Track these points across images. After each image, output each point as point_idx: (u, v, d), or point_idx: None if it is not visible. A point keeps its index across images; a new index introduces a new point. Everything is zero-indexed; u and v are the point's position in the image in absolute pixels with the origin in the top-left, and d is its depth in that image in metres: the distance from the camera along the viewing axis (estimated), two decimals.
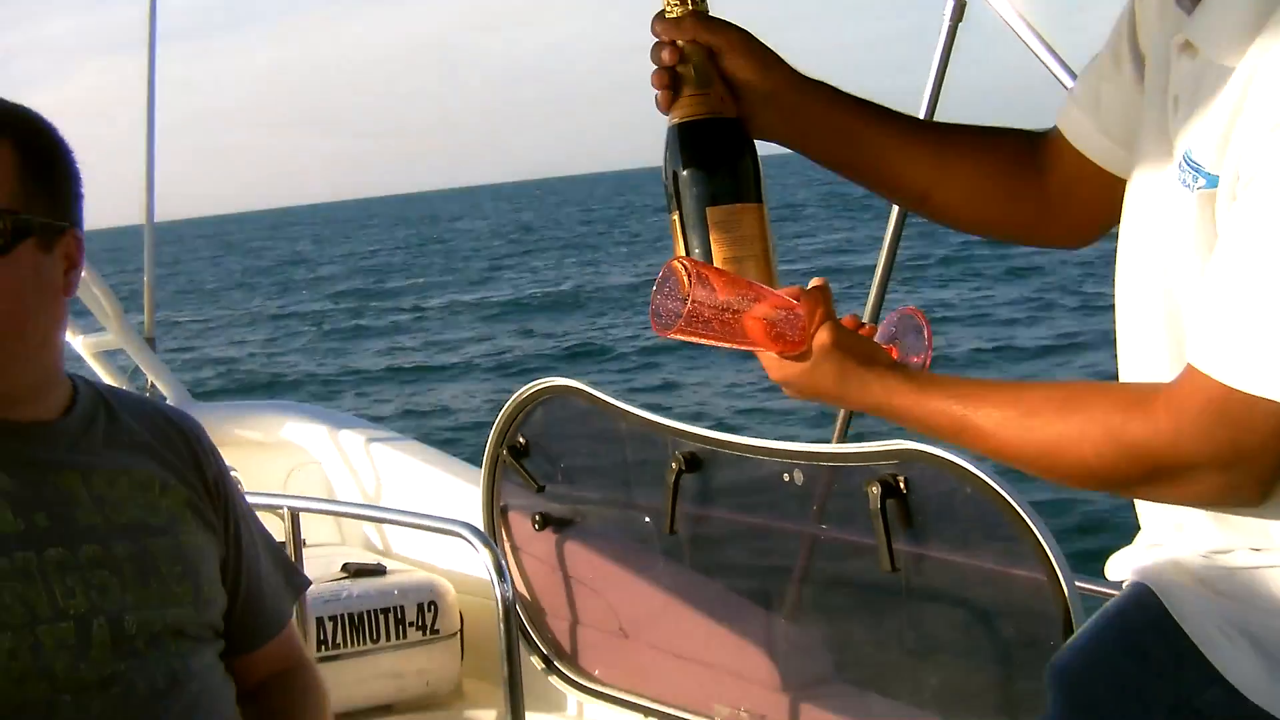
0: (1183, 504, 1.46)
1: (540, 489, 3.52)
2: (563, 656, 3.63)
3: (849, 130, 1.76)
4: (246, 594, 2.02)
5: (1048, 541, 2.41)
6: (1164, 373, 1.45)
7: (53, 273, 1.84)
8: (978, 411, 1.48)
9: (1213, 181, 1.38)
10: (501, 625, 3.10)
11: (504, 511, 3.67)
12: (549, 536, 3.56)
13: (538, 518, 3.55)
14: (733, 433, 3.09)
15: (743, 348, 1.55)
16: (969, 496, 2.53)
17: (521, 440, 3.52)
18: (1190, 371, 1.36)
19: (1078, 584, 2.44)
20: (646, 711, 3.39)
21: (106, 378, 4.57)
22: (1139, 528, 1.65)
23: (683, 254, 1.58)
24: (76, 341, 4.76)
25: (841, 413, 3.28)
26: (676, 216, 1.62)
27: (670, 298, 1.47)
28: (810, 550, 3.03)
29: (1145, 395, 1.41)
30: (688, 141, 1.62)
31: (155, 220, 5.03)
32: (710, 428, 3.14)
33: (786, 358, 1.57)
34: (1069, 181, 1.74)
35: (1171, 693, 1.51)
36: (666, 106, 1.66)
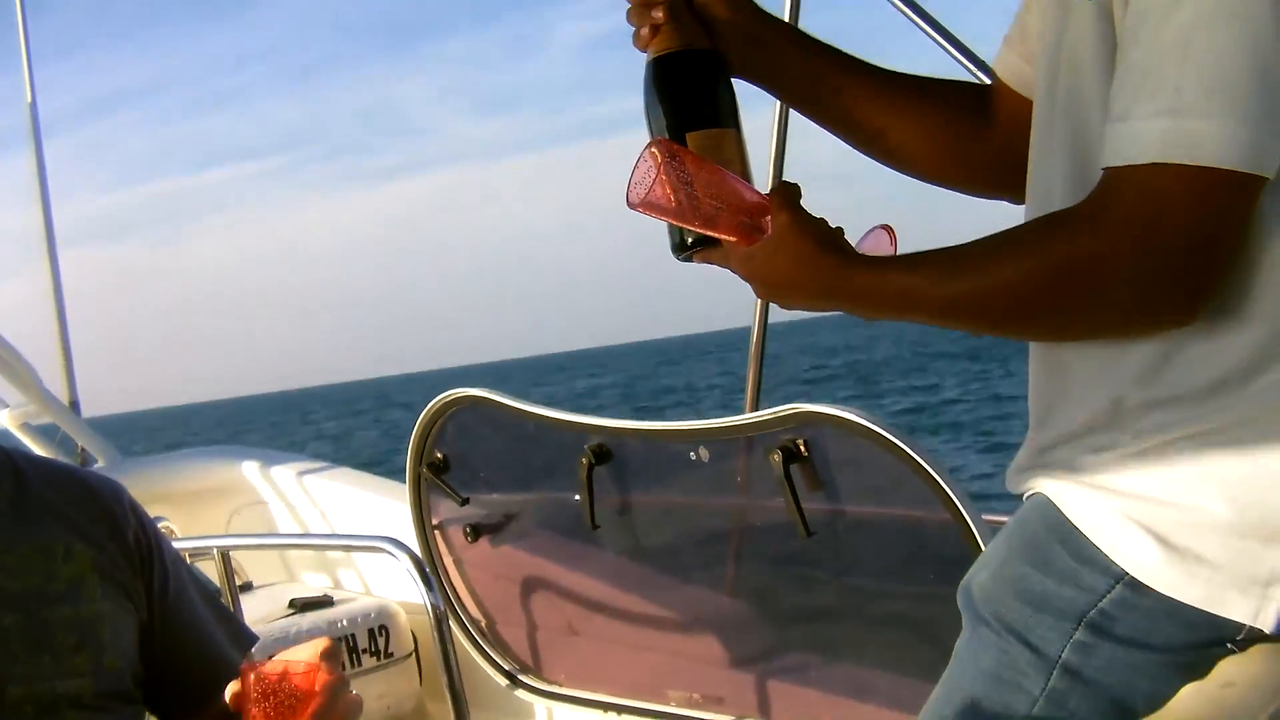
0: (1120, 329, 1.46)
1: (464, 501, 3.51)
2: (525, 669, 3.63)
3: (812, 67, 1.81)
4: (186, 654, 1.94)
5: (948, 482, 2.42)
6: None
7: None
8: (916, 273, 1.49)
9: None
10: (434, 633, 3.10)
11: (439, 528, 3.65)
12: (484, 547, 3.56)
13: (469, 530, 3.54)
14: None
15: (704, 231, 1.56)
16: (867, 450, 2.53)
17: (439, 455, 3.51)
18: (1104, 169, 1.38)
19: (984, 518, 2.44)
20: (607, 707, 3.39)
21: (36, 449, 4.54)
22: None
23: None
24: (2, 415, 4.73)
25: (750, 384, 3.26)
26: None
27: (645, 173, 1.50)
28: (731, 525, 3.03)
29: (1065, 212, 1.43)
30: (665, 72, 1.67)
31: None
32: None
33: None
34: (1012, 126, 1.75)
35: (1079, 599, 1.53)
36: (644, 44, 1.70)
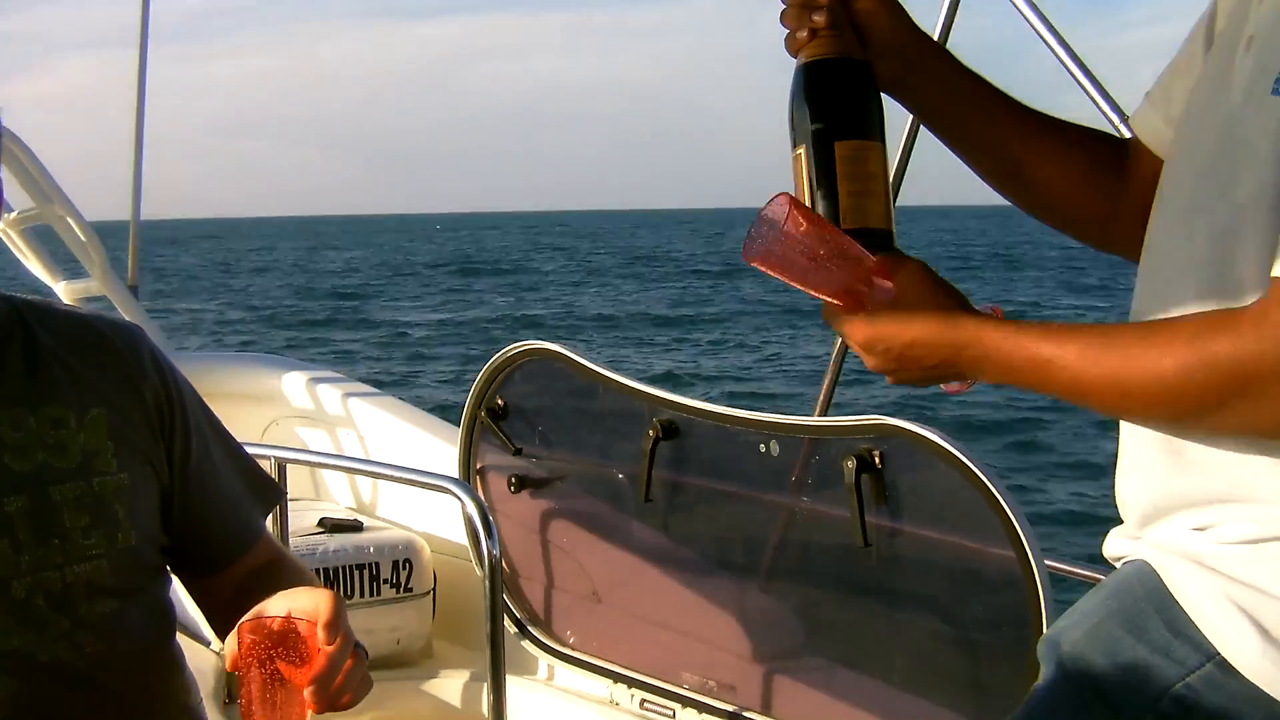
0: (1261, 433, 1.44)
1: (517, 451, 3.51)
2: (535, 621, 3.62)
3: (961, 93, 1.81)
4: (209, 520, 1.89)
5: (1019, 520, 2.42)
6: (1208, 302, 1.46)
7: None
8: (1062, 346, 1.48)
9: None
10: (487, 583, 3.11)
11: (481, 473, 3.66)
12: (525, 499, 3.56)
13: (514, 480, 3.54)
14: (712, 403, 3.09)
15: (816, 294, 1.56)
16: (943, 473, 2.53)
17: (500, 402, 3.51)
18: (1274, 284, 1.37)
19: (1048, 564, 2.44)
20: (616, 678, 3.39)
21: None
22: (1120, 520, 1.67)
23: (803, 191, 1.62)
24: (59, 287, 4.73)
25: (824, 387, 3.27)
26: (801, 151, 1.65)
27: (763, 230, 1.50)
28: (785, 522, 3.03)
29: (1230, 313, 1.41)
30: (820, 78, 1.67)
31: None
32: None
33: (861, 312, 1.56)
34: (1145, 184, 1.75)
35: (1169, 670, 1.53)
36: (796, 48, 1.70)
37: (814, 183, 1.62)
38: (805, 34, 1.69)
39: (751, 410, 2.95)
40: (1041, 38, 2.83)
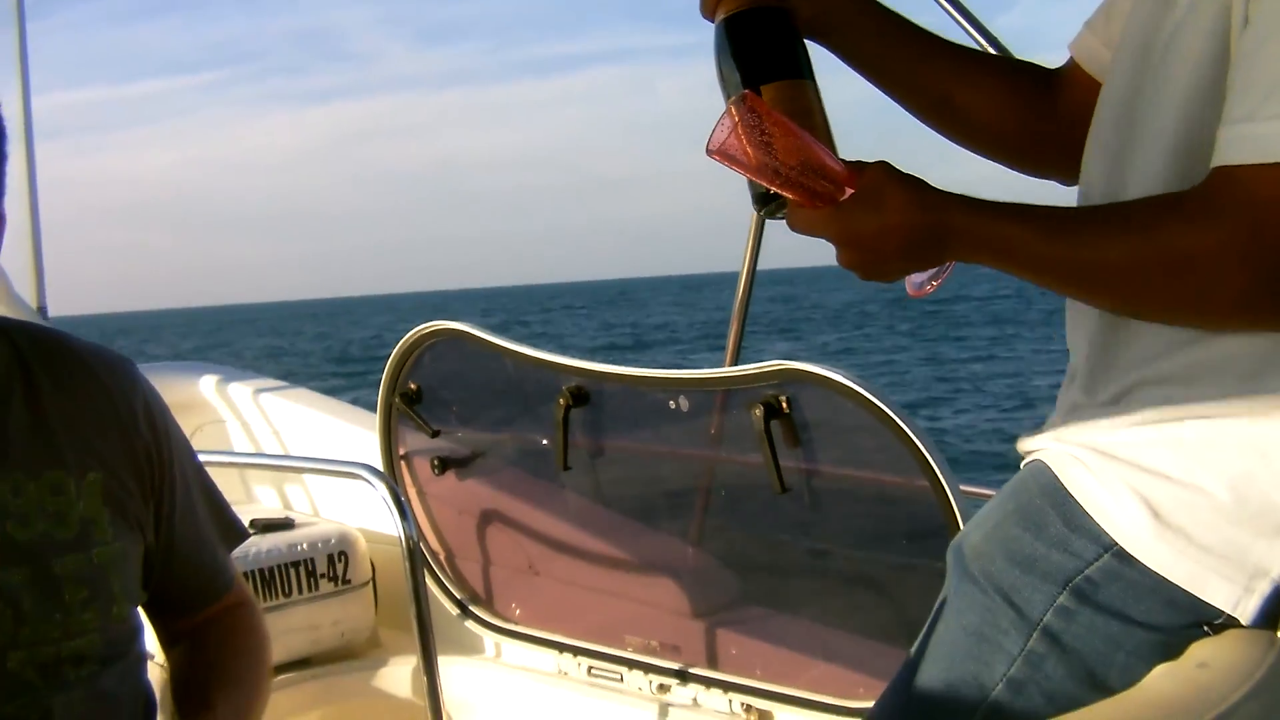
0: (1205, 316, 1.46)
1: (435, 433, 3.49)
2: (477, 600, 3.62)
3: (881, 30, 1.83)
4: (185, 568, 1.88)
5: (928, 448, 2.43)
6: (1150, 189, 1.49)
7: None
8: (1024, 226, 1.49)
9: None
10: (406, 564, 3.09)
11: (405, 459, 3.64)
12: (450, 480, 3.54)
13: (436, 462, 3.53)
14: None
15: (779, 190, 1.55)
16: (851, 411, 2.54)
17: (413, 386, 3.49)
18: (1216, 167, 1.39)
19: (963, 488, 2.45)
20: (563, 648, 3.39)
21: None
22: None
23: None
24: None
25: (731, 339, 3.26)
26: (732, 104, 1.62)
27: (724, 125, 1.49)
28: (705, 476, 3.03)
29: (1180, 195, 1.44)
30: (739, 30, 1.68)
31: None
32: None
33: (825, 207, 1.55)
34: (1079, 107, 1.76)
35: (1067, 564, 1.56)
36: (711, 9, 1.72)
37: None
38: None
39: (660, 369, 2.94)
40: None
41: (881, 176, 1.52)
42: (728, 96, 1.66)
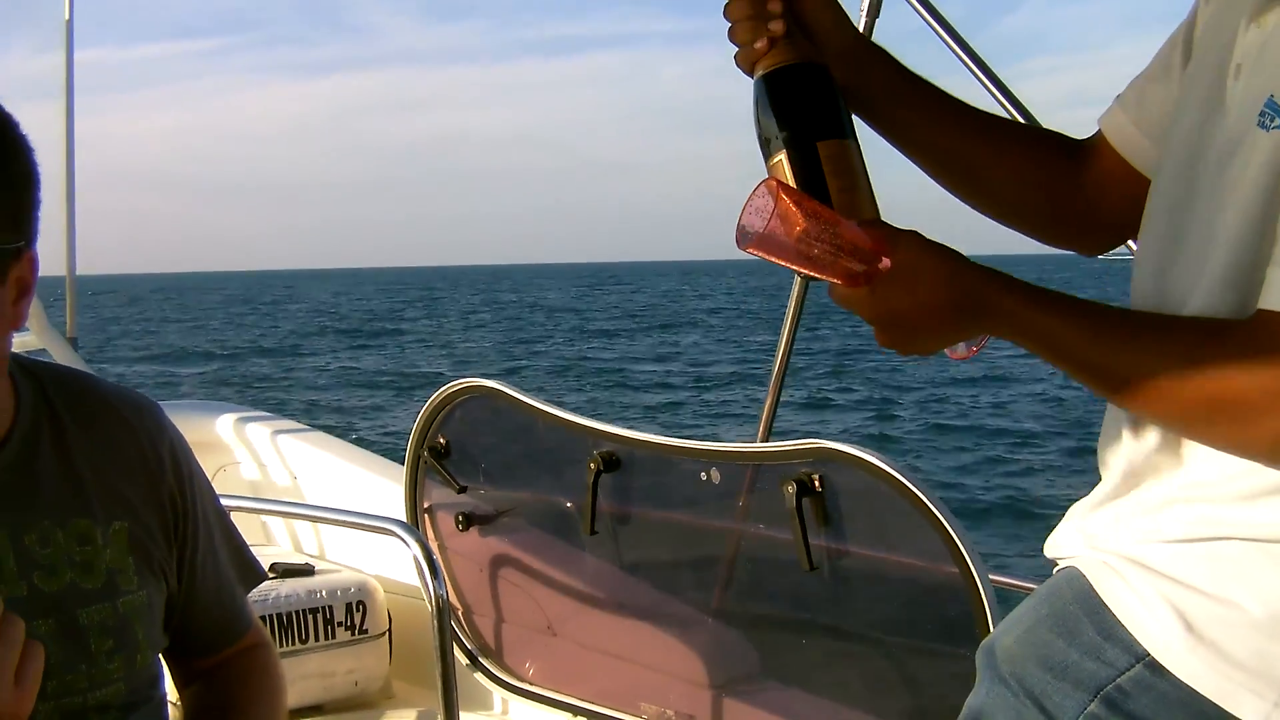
0: (1239, 449, 1.45)
1: (462, 489, 3.50)
2: (488, 654, 3.61)
3: (909, 95, 1.81)
4: (207, 612, 1.88)
5: (960, 537, 2.42)
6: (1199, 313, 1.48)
7: (2, 304, 1.56)
8: (1067, 324, 1.48)
9: None
10: (434, 622, 3.10)
11: (429, 512, 3.64)
12: (473, 536, 3.54)
13: (460, 518, 3.52)
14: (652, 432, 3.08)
15: (815, 275, 1.54)
16: (883, 494, 2.53)
17: (442, 440, 3.50)
18: (1265, 310, 1.38)
19: (992, 578, 2.44)
20: (574, 710, 3.38)
21: None
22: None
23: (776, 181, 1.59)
24: None
25: (765, 413, 3.27)
26: (780, 158, 1.64)
27: (755, 216, 1.48)
28: (732, 549, 3.02)
29: (1225, 325, 1.42)
30: (789, 85, 1.66)
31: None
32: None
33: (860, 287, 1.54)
34: (1103, 182, 1.77)
35: (1099, 672, 1.54)
36: (751, 60, 1.69)
37: (801, 187, 1.61)
38: (763, 44, 1.68)
39: (692, 439, 2.95)
40: (959, 58, 2.82)
41: (915, 251, 1.52)
42: (769, 149, 1.65)
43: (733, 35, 1.71)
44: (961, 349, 1.62)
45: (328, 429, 5.14)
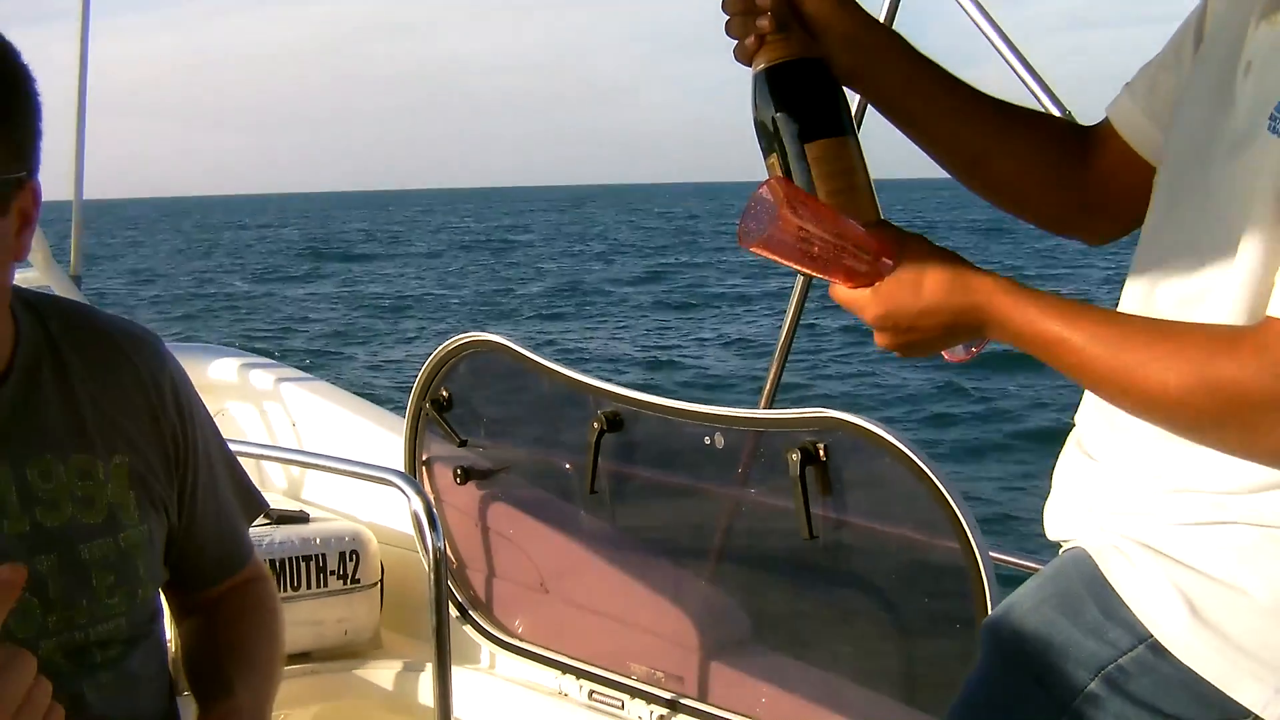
0: (1249, 454, 1.45)
1: (462, 443, 3.50)
2: (479, 608, 3.61)
3: (919, 81, 1.79)
4: (207, 544, 1.88)
5: (963, 512, 2.42)
6: (1202, 314, 1.49)
7: (4, 235, 1.55)
8: (1070, 329, 1.48)
9: None
10: (431, 575, 3.11)
11: (427, 464, 3.64)
12: (471, 490, 3.54)
13: (459, 471, 3.52)
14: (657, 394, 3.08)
15: (819, 274, 1.55)
16: (887, 466, 2.54)
17: (445, 393, 3.49)
18: (1275, 318, 1.37)
19: (993, 555, 2.45)
20: (562, 668, 3.39)
21: None
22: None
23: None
24: None
25: (770, 379, 3.27)
26: (774, 159, 1.64)
27: (758, 217, 1.49)
28: (731, 514, 3.03)
29: (1236, 334, 1.41)
30: (780, 83, 1.65)
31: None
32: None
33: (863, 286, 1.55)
34: (1111, 171, 1.77)
35: (1101, 652, 1.56)
36: (748, 56, 1.68)
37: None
38: (753, 41, 1.67)
39: (697, 402, 2.95)
40: (982, 32, 2.82)
41: (921, 256, 1.52)
42: (766, 148, 1.65)
43: (728, 29, 1.70)
44: (960, 351, 1.62)
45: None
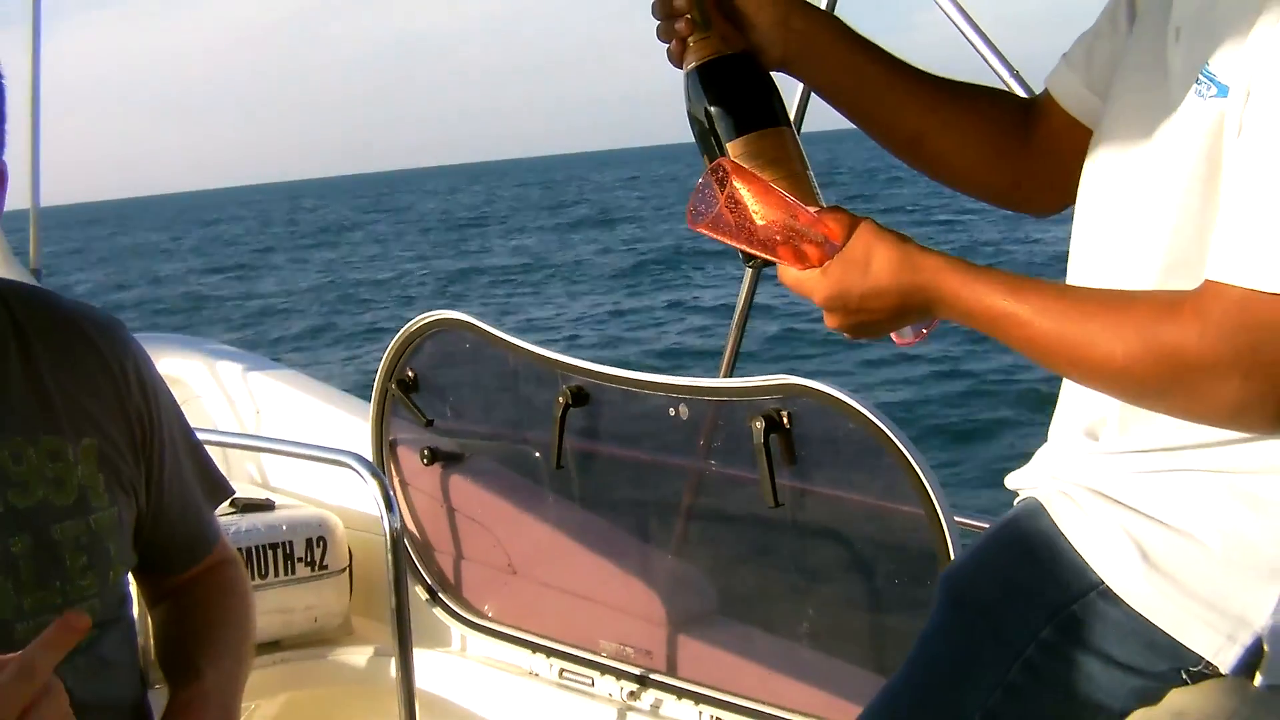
0: (1197, 418, 1.46)
1: (429, 423, 3.49)
2: (448, 589, 3.61)
3: (855, 64, 1.79)
4: (174, 529, 1.89)
5: (927, 477, 2.43)
6: (1143, 279, 1.50)
7: None
8: (1018, 303, 1.48)
9: (1223, 91, 1.41)
10: (389, 556, 3.10)
11: (393, 446, 3.64)
12: (438, 471, 3.54)
13: (426, 452, 3.52)
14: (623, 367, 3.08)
15: (764, 255, 1.56)
16: (851, 431, 2.54)
17: (410, 374, 3.49)
18: (1212, 281, 1.38)
19: (957, 519, 2.46)
20: (533, 647, 3.39)
21: None
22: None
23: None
24: None
25: (728, 349, 3.27)
26: (708, 160, 1.64)
27: (706, 198, 1.51)
28: (696, 485, 3.03)
29: (1176, 299, 1.42)
30: (703, 84, 1.67)
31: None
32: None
33: (810, 268, 1.56)
34: (1053, 142, 1.78)
35: (1053, 596, 1.57)
36: (676, 59, 1.70)
37: None
38: (676, 45, 1.69)
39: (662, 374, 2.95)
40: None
41: (868, 238, 1.53)
42: (703, 146, 1.66)
43: (658, 34, 1.72)
44: (909, 333, 1.63)
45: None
